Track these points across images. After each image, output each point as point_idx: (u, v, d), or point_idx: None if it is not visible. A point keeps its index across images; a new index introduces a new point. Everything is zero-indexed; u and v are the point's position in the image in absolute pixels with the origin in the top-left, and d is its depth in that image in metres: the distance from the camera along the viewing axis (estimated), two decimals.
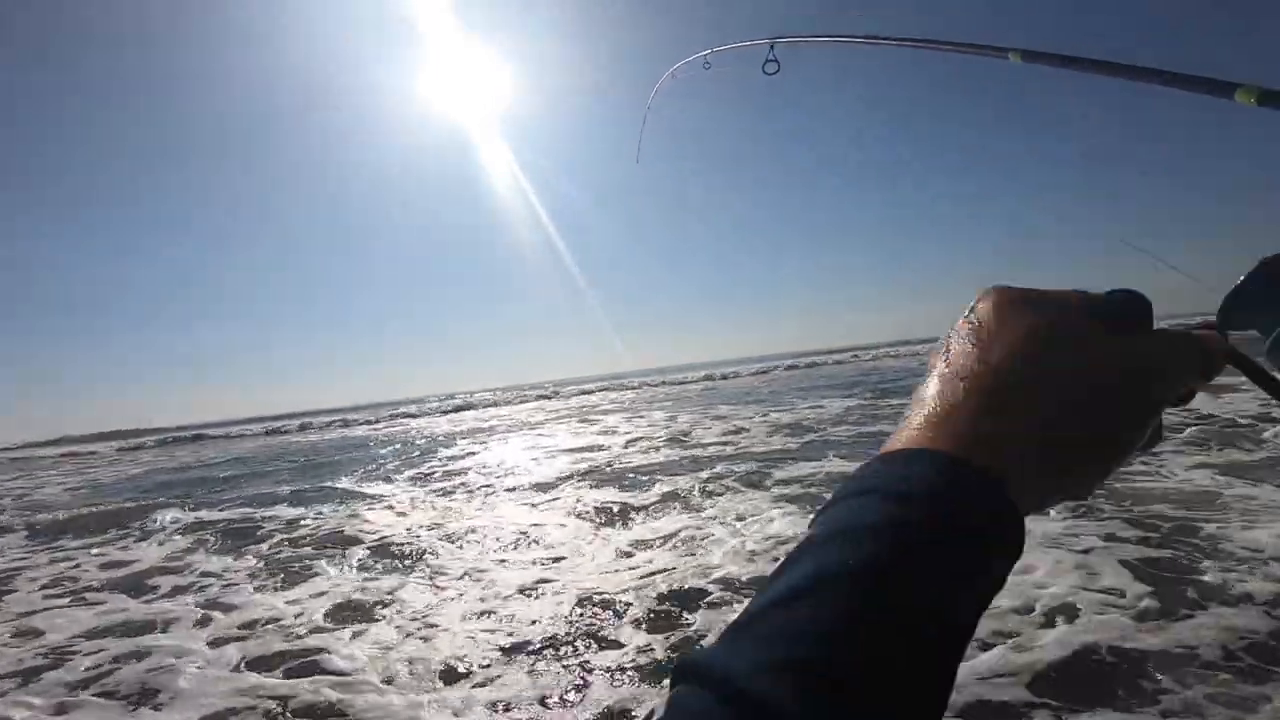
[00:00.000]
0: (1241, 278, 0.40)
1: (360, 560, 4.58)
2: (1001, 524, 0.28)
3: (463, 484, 7.43)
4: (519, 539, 4.71)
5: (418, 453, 11.53)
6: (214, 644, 3.30)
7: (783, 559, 0.29)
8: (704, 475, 6.14)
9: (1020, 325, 0.32)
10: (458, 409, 26.50)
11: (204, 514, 7.20)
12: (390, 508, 6.38)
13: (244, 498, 8.19)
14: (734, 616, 0.28)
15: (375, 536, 5.19)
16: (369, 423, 24.73)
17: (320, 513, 6.48)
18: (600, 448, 9.15)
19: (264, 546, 5.32)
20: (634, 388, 27.76)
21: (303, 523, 6.05)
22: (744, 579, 3.39)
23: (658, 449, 8.36)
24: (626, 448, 8.79)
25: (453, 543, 4.81)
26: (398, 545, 4.85)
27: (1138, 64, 0.81)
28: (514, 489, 6.70)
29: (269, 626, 3.47)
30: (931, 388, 0.33)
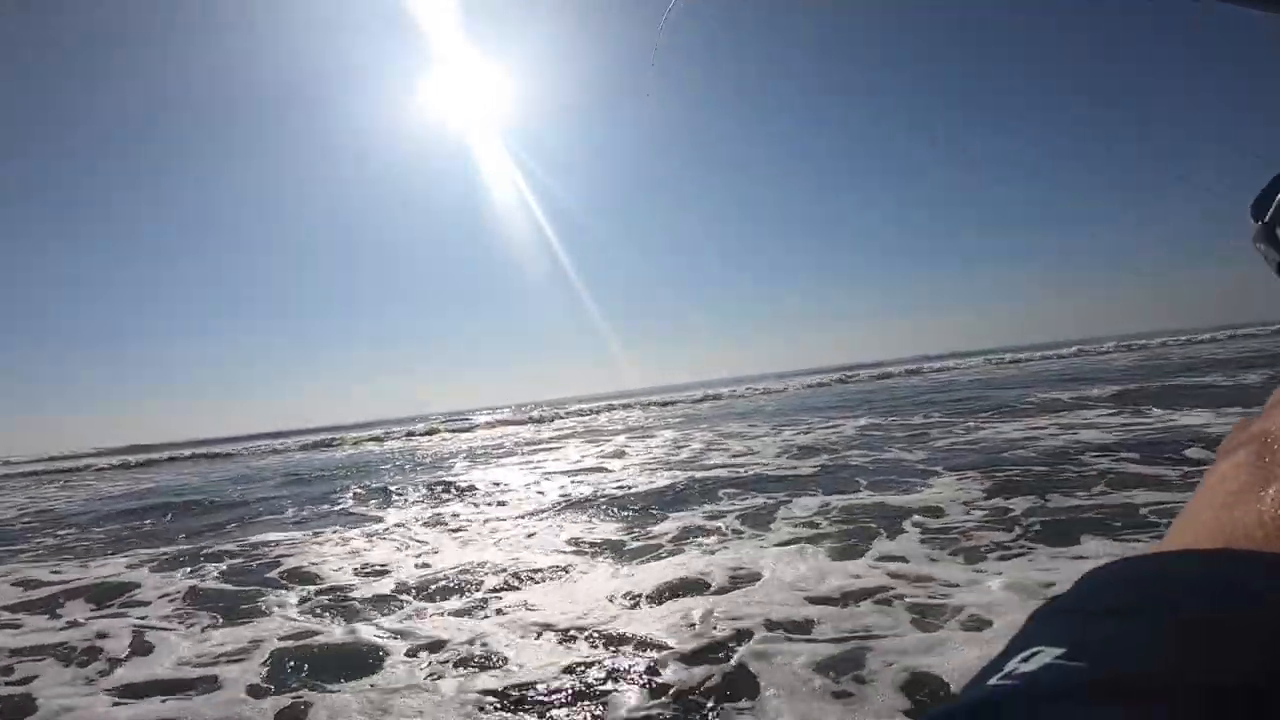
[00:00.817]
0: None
1: (288, 608, 3.95)
2: None
3: (434, 516, 6.52)
4: (486, 598, 3.85)
5: (392, 479, 10.31)
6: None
7: (1002, 679, 0.18)
8: (719, 509, 5.49)
9: None
10: (458, 429, 24.39)
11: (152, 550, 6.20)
12: (346, 541, 5.75)
13: (193, 529, 7.37)
14: None
15: (321, 579, 4.55)
16: (354, 443, 22.29)
17: (270, 543, 5.86)
18: (602, 469, 8.61)
19: (204, 577, 4.84)
20: (640, 406, 26.02)
21: (258, 552, 5.52)
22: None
23: (664, 475, 7.59)
24: (629, 473, 8.03)
25: (415, 594, 4.08)
26: (342, 589, 4.27)
27: None
28: (495, 529, 5.77)
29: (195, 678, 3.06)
30: (1269, 459, 0.22)
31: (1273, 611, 0.17)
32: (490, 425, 24.66)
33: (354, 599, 4.03)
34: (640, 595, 3.56)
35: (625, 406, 26.12)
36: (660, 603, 3.44)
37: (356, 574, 4.62)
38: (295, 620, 3.72)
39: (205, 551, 5.76)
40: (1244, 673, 0.15)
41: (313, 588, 4.35)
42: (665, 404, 25.83)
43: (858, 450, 7.98)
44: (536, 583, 4.06)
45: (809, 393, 23.30)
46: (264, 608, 3.98)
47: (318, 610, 3.87)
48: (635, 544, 4.70)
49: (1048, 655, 0.18)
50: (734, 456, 8.60)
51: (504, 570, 4.33)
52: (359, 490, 9.12)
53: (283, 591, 4.33)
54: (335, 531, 6.24)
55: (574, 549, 4.74)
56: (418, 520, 6.44)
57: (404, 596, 4.02)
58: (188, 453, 25.08)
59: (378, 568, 4.74)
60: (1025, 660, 0.18)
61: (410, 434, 23.82)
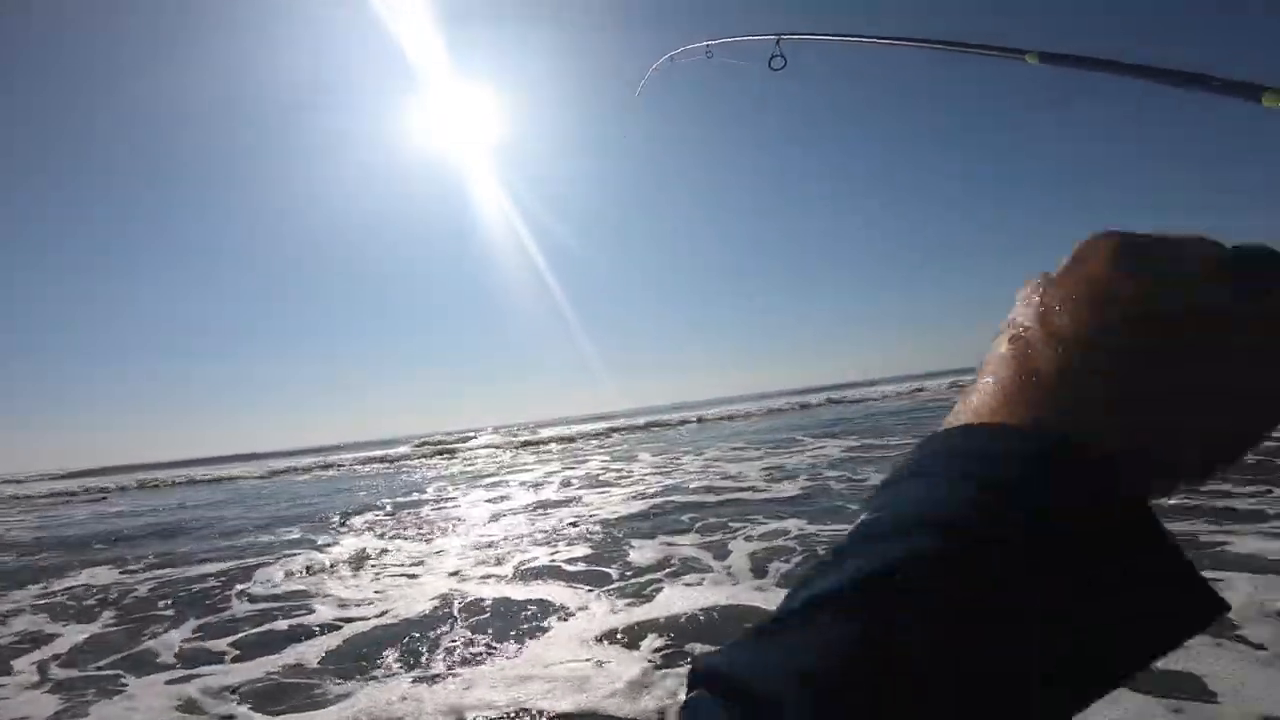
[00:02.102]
0: None
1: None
2: (1110, 514, 0.22)
3: (383, 552, 5.86)
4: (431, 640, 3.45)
5: (354, 506, 9.47)
6: None
7: (830, 547, 0.24)
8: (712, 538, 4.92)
9: (1141, 281, 0.26)
10: (435, 453, 22.38)
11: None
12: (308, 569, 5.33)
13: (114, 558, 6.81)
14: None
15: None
16: (322, 468, 20.27)
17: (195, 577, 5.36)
18: (577, 501, 7.72)
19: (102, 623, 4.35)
20: (622, 429, 23.39)
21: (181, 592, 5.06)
22: None
23: (644, 503, 6.86)
24: (608, 505, 7.13)
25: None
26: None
27: (1158, 65, 0.79)
28: (455, 564, 5.15)
29: None
30: (1011, 348, 0.27)
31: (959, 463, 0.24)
32: (468, 448, 23.03)
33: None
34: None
35: (612, 431, 22.99)
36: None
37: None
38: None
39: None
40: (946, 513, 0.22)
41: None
42: (647, 426, 23.96)
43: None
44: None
45: (795, 415, 21.80)
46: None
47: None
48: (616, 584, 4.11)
49: (863, 516, 0.25)
50: (714, 479, 8.25)
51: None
52: (309, 517, 8.57)
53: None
54: (259, 564, 5.75)
55: (532, 599, 4.02)
56: (348, 556, 5.80)
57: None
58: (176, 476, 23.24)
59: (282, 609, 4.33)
60: (855, 523, 0.25)
61: (385, 458, 21.57)
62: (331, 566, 5.49)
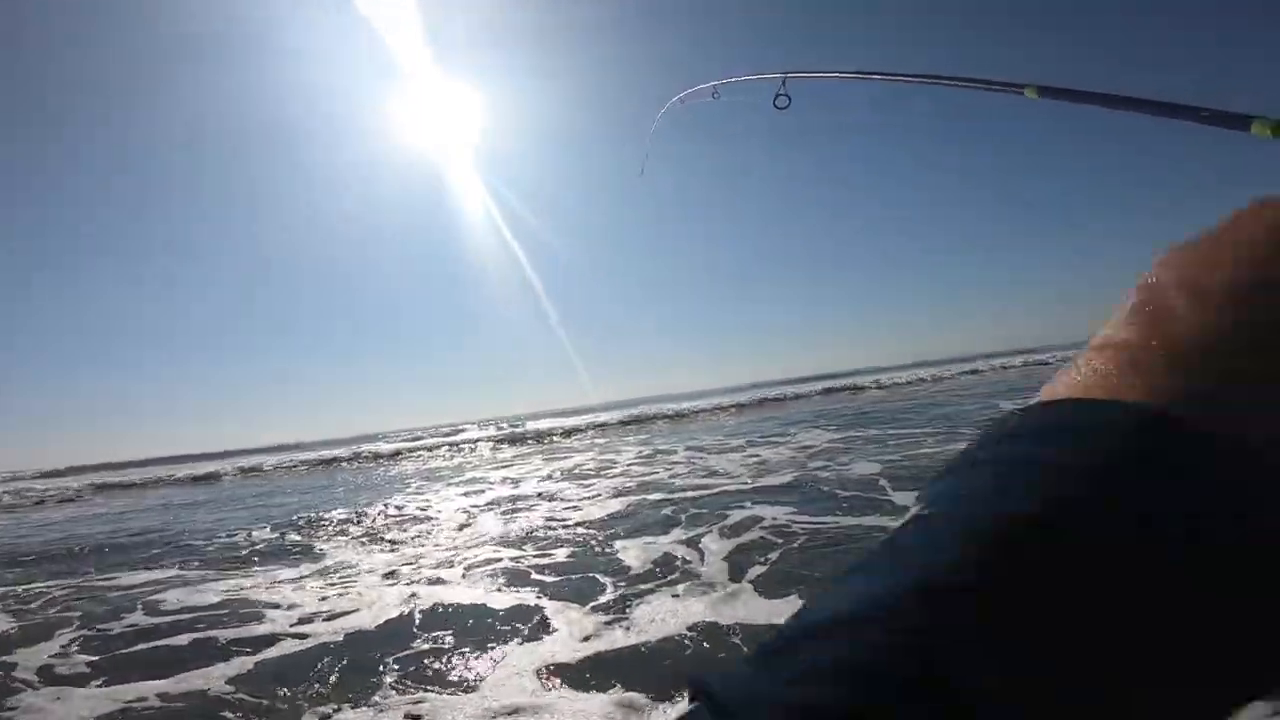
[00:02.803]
0: None
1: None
2: (1243, 527, 0.17)
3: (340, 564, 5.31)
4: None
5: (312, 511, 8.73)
6: None
7: (875, 549, 0.20)
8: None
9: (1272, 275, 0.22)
10: (418, 447, 21.53)
11: None
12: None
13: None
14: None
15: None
16: (288, 467, 19.09)
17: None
18: (554, 498, 7.46)
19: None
20: (608, 425, 22.59)
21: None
22: None
23: (625, 500, 6.68)
24: (588, 503, 6.90)
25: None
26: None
27: (1150, 98, 0.84)
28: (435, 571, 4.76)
29: None
30: (1140, 312, 0.23)
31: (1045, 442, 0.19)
32: (452, 445, 22.06)
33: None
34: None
35: (598, 426, 22.03)
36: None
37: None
38: None
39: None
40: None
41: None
42: (630, 421, 22.86)
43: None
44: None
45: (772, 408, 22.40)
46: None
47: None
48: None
49: (915, 509, 0.21)
50: (698, 476, 8.26)
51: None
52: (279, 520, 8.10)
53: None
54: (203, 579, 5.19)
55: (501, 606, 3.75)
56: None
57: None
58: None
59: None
60: (907, 518, 0.21)
61: (369, 455, 20.39)
62: (272, 576, 5.08)
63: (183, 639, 3.76)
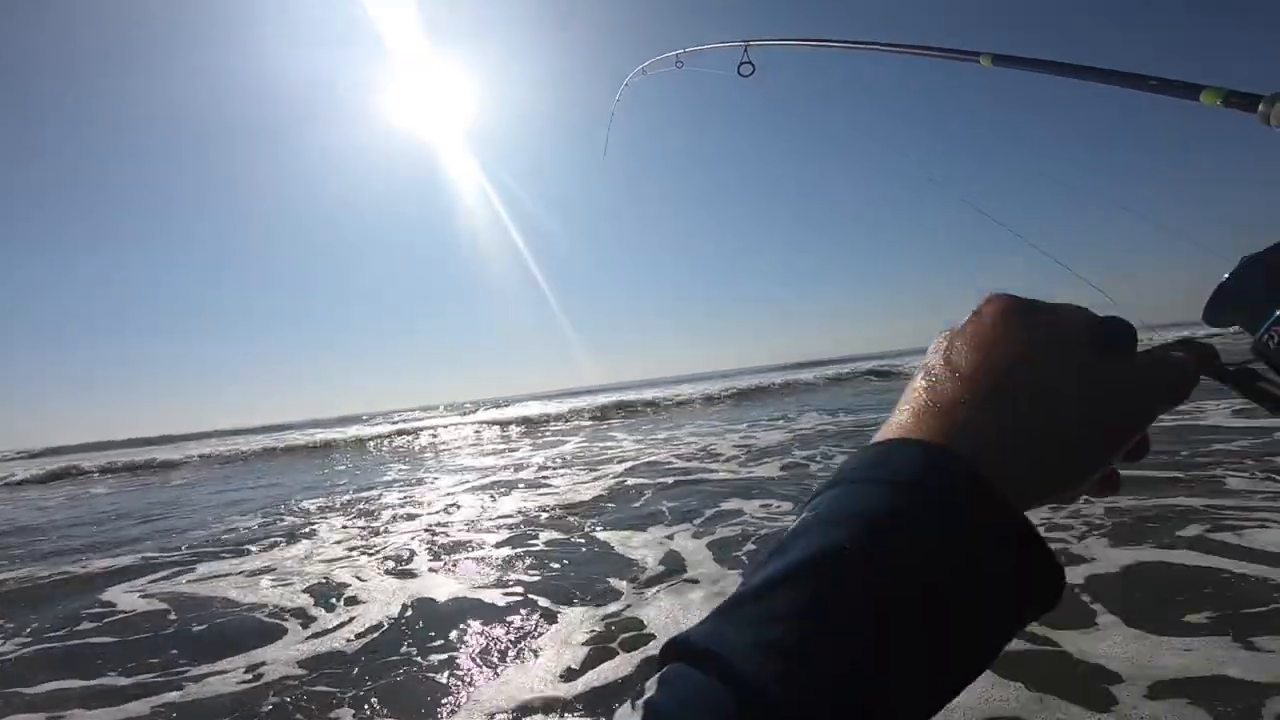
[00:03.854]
0: (1226, 275, 0.42)
1: None
2: (988, 516, 0.28)
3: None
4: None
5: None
6: None
7: (771, 545, 0.30)
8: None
9: (1023, 334, 0.34)
10: (398, 431, 18.86)
11: None
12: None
13: None
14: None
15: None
16: (286, 450, 16.28)
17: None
18: (544, 485, 6.80)
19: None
20: (607, 407, 18.95)
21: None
22: None
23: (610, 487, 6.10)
24: (578, 490, 6.30)
25: None
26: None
27: (1104, 67, 0.82)
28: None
29: None
30: (924, 382, 0.35)
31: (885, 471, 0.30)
32: (440, 425, 20.38)
33: None
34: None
35: (591, 410, 18.42)
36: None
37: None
38: None
39: None
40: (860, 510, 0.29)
41: None
42: (635, 403, 19.74)
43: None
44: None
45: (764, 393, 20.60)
46: None
47: None
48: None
49: (804, 515, 0.31)
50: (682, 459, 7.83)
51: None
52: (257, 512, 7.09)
53: None
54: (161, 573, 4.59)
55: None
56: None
57: None
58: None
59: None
60: (794, 522, 0.31)
61: (353, 440, 17.27)
62: (223, 569, 4.58)
63: (141, 636, 3.42)
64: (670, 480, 6.39)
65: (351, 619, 3.36)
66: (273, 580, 4.19)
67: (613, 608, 3.15)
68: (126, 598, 4.12)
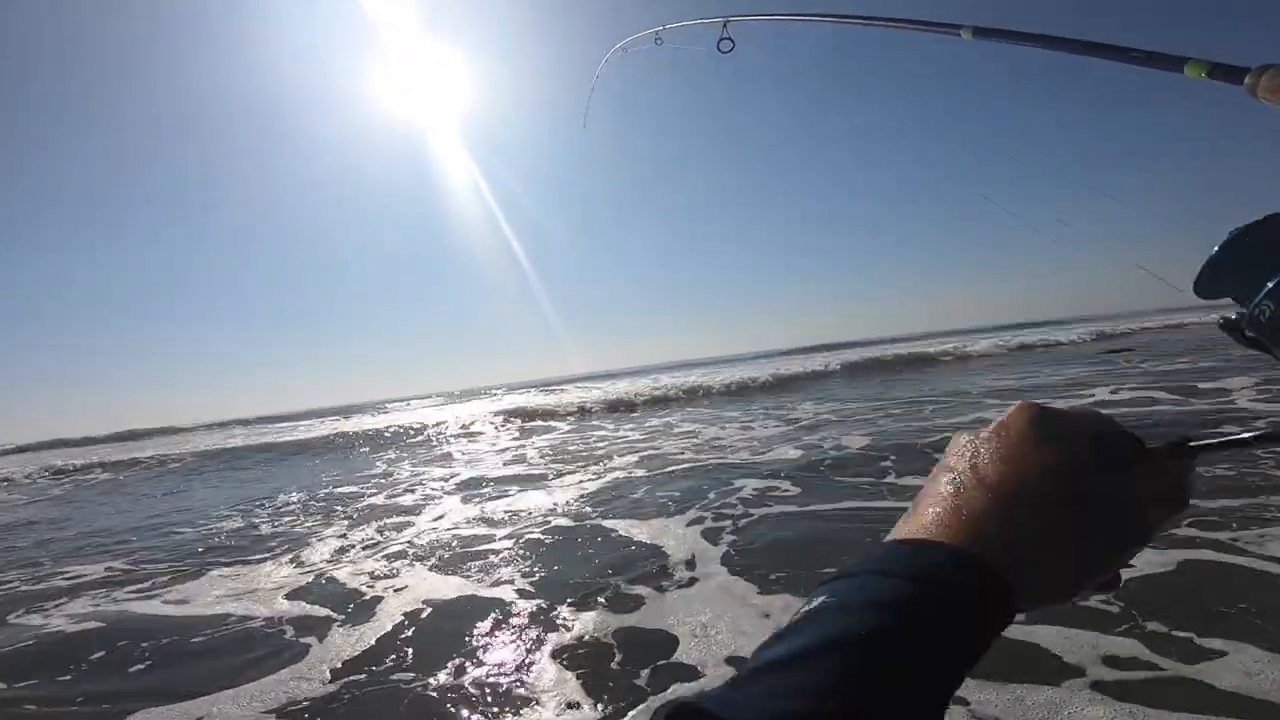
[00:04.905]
0: (1215, 248, 0.42)
1: None
2: (1001, 614, 0.33)
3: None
4: None
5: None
6: None
7: (785, 624, 0.33)
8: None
9: (1044, 450, 0.38)
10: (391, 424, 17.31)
11: None
12: None
13: None
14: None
15: None
16: (262, 450, 13.98)
17: None
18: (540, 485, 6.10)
19: None
20: (596, 413, 14.83)
21: None
22: None
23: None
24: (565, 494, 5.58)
25: None
26: None
27: (1088, 39, 0.79)
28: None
29: None
30: (948, 487, 0.38)
31: (902, 571, 0.33)
32: (432, 415, 19.28)
33: None
34: None
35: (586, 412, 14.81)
36: None
37: None
38: None
39: None
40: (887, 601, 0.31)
41: None
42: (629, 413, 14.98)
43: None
44: None
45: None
46: None
47: None
48: None
49: (820, 599, 0.33)
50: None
51: None
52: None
53: None
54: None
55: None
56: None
57: None
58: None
59: None
60: (809, 605, 0.33)
61: (342, 436, 14.63)
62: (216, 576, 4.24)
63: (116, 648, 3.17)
64: (682, 471, 6.04)
65: (355, 626, 3.12)
66: (275, 589, 3.87)
67: (631, 620, 2.82)
68: (145, 604, 3.83)
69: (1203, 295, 0.45)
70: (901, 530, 0.38)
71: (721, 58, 1.69)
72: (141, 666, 2.95)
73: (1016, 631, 2.23)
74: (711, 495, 4.89)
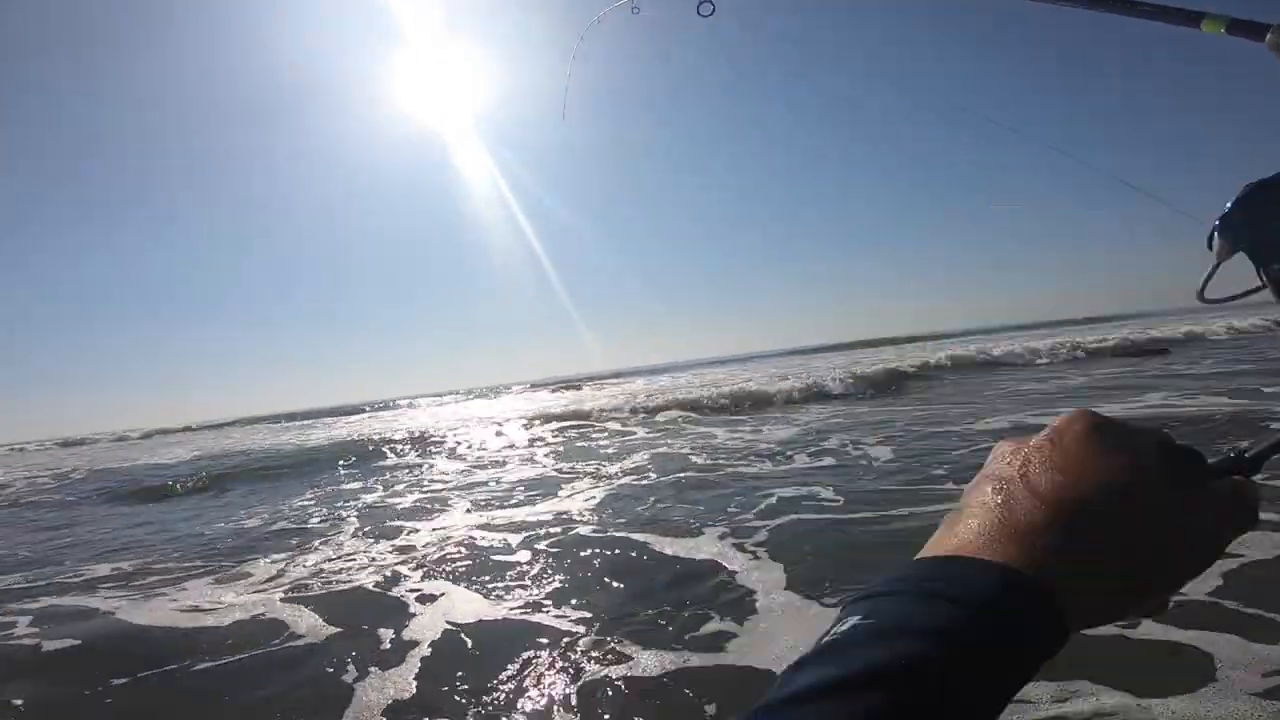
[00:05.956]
0: (1229, 203, 0.42)
1: None
2: (1053, 639, 0.30)
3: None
4: None
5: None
6: None
7: (814, 646, 0.30)
8: None
9: (1106, 460, 0.34)
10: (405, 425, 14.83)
11: None
12: None
13: None
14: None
15: None
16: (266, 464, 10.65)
17: None
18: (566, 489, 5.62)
19: None
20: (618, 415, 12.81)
21: None
22: None
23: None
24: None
25: None
26: None
27: None
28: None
29: None
30: (995, 497, 0.35)
31: (944, 589, 0.30)
32: (446, 415, 18.70)
33: None
34: None
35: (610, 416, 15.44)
36: None
37: None
38: None
39: None
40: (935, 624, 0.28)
41: None
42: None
43: None
44: None
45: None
46: None
47: None
48: None
49: (853, 620, 0.30)
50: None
51: None
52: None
53: None
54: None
55: None
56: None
57: None
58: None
59: None
60: (840, 625, 0.31)
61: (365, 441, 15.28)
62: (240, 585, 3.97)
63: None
64: (716, 478, 5.65)
65: (382, 648, 2.84)
66: (287, 592, 3.68)
67: (694, 648, 2.52)
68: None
69: (1215, 251, 0.44)
70: (940, 545, 0.34)
71: (703, 20, 1.63)
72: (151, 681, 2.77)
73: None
74: (748, 503, 4.62)
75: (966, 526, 0.34)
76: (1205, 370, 9.64)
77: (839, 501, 4.39)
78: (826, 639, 0.30)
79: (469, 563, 3.93)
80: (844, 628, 0.30)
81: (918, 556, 0.34)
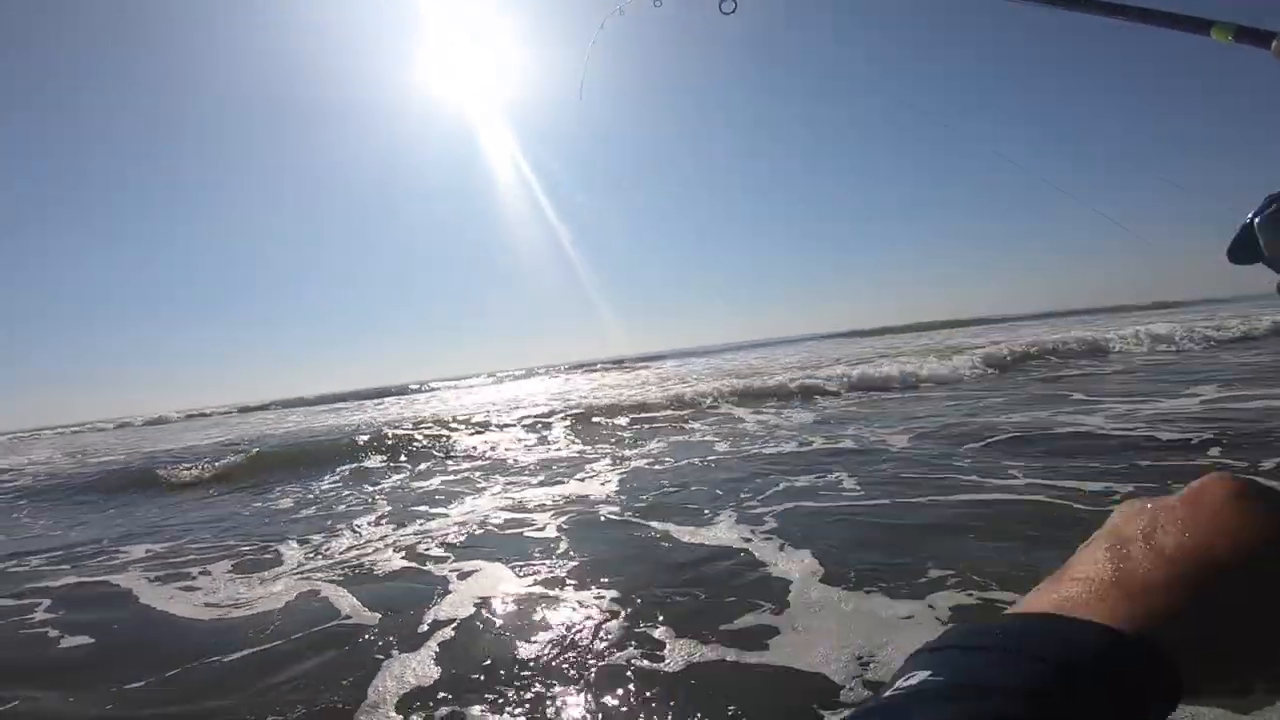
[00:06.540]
0: (1250, 214, 0.41)
1: None
2: (1160, 701, 0.27)
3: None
4: None
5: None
6: None
7: (877, 700, 0.27)
8: None
9: (1249, 523, 0.31)
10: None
11: None
12: None
13: None
14: None
15: None
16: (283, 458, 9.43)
17: None
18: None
19: None
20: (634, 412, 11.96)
21: None
22: None
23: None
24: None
25: None
26: None
27: (1113, 1, 0.76)
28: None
29: None
30: (1108, 555, 0.32)
31: (1038, 650, 0.27)
32: (476, 399, 18.03)
33: None
34: None
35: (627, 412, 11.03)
36: None
37: None
38: None
39: None
40: (1025, 682, 0.25)
41: None
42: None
43: None
44: None
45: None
46: None
47: None
48: None
49: (921, 675, 0.27)
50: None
51: None
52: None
53: None
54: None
55: None
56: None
57: None
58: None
59: None
60: (906, 680, 0.28)
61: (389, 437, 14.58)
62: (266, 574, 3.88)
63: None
64: (753, 466, 5.46)
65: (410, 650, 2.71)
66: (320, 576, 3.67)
67: (734, 644, 2.45)
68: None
69: (1236, 261, 0.42)
70: (1034, 603, 0.31)
71: (724, 18, 1.63)
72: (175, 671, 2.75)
73: None
74: (777, 490, 4.59)
75: (1069, 585, 0.31)
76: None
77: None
78: (887, 693, 0.28)
79: (510, 550, 3.90)
80: (910, 682, 0.27)
81: (1006, 612, 0.31)
